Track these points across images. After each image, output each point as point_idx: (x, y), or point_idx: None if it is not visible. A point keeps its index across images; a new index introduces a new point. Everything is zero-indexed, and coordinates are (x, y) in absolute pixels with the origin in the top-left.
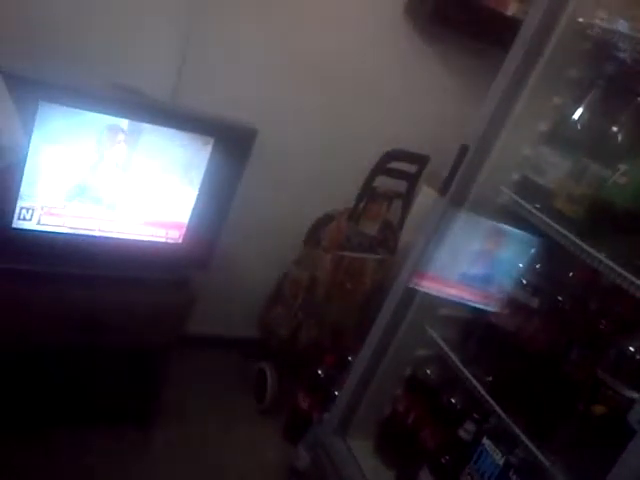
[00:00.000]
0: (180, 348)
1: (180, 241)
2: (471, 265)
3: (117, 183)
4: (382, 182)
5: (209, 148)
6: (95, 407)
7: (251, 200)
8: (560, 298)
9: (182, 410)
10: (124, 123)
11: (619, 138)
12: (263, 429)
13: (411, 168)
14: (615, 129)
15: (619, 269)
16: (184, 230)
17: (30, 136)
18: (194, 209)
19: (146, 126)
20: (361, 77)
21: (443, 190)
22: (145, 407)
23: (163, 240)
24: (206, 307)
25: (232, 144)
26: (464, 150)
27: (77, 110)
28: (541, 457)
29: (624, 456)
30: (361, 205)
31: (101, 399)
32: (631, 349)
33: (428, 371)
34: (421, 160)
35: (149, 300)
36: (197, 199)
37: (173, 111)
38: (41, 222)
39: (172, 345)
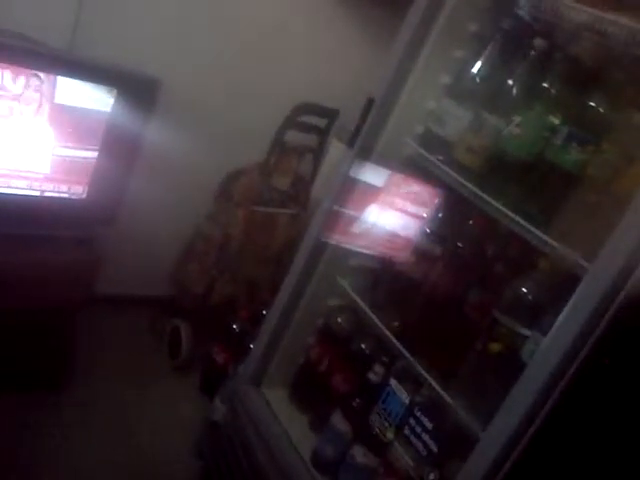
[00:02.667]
0: (91, 308)
1: (84, 196)
2: (379, 216)
3: (16, 135)
4: (293, 137)
5: (112, 99)
6: (2, 372)
7: (160, 154)
8: (460, 245)
9: (96, 371)
10: (22, 72)
11: (514, 91)
12: (179, 385)
13: (321, 122)
14: (510, 82)
15: (512, 215)
16: (88, 185)
17: None
18: (98, 162)
19: (45, 76)
20: (270, 29)
21: (351, 142)
22: (56, 370)
23: (66, 195)
24: (117, 265)
25: (135, 95)
26: (370, 103)
27: None
28: (444, 394)
29: (516, 387)
30: (272, 159)
31: (8, 363)
32: (524, 290)
33: (339, 320)
34: (331, 114)
35: (54, 258)
36: (100, 152)
37: (73, 60)
38: None
39: (81, 304)
